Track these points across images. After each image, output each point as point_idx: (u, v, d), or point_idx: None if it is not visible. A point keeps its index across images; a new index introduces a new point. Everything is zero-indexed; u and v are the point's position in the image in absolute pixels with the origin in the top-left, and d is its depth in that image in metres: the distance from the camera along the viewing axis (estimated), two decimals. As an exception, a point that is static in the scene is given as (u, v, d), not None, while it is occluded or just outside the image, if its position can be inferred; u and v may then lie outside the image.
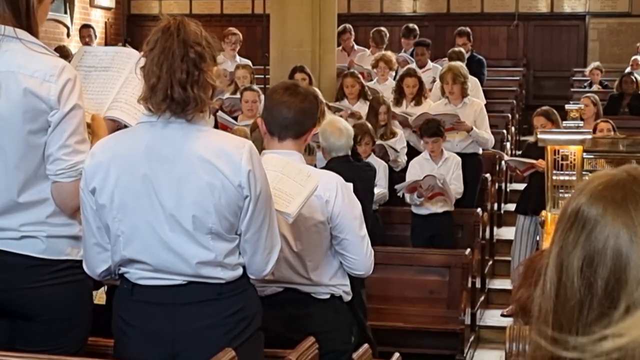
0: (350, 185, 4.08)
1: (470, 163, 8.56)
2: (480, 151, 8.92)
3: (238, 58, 11.12)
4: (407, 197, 7.99)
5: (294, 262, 3.89)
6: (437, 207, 7.96)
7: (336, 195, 3.85)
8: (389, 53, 10.87)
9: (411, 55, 12.15)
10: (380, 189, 7.62)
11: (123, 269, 3.26)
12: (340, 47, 12.42)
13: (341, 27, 12.19)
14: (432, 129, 8.07)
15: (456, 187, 8.01)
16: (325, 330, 3.89)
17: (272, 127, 3.91)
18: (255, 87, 9.41)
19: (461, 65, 9.31)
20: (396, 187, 7.93)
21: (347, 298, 4.08)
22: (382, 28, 12.38)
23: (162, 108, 3.12)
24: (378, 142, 8.34)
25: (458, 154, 8.44)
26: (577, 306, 1.35)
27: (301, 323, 3.87)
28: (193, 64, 3.10)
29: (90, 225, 3.26)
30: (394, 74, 10.92)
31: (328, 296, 3.99)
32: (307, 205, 3.72)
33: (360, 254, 3.94)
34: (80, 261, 3.39)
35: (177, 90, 3.08)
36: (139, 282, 3.23)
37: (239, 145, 3.18)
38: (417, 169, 8.02)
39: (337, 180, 3.92)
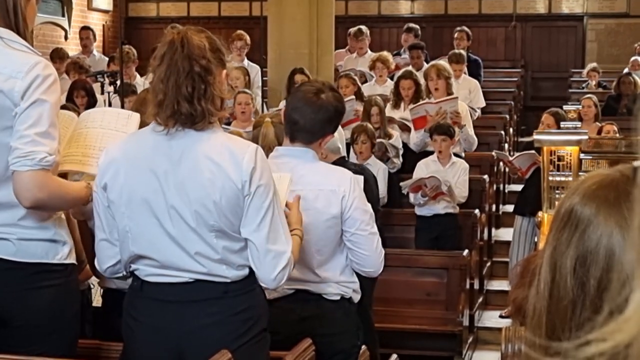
0: (361, 177, 4.12)
1: None
2: (463, 154, 8.84)
3: (247, 62, 11.08)
4: (412, 197, 7.97)
5: (303, 255, 3.89)
6: (440, 208, 7.95)
7: (351, 190, 3.89)
8: (385, 53, 10.85)
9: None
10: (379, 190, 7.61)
11: (133, 266, 3.33)
12: (346, 48, 12.43)
13: (356, 28, 12.19)
14: (443, 128, 8.05)
15: (460, 191, 7.99)
16: (335, 332, 3.92)
17: (285, 127, 4.00)
18: (247, 90, 9.37)
19: (445, 63, 9.27)
20: (401, 184, 7.93)
21: (357, 297, 4.10)
22: (362, 27, 12.37)
23: (171, 123, 3.19)
24: (378, 139, 8.35)
25: None
26: (570, 306, 1.35)
27: (311, 325, 3.89)
28: (199, 78, 3.16)
29: (100, 221, 3.35)
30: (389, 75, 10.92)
31: (338, 297, 4.00)
32: (323, 199, 3.75)
33: (371, 249, 3.95)
34: (58, 265, 3.37)
35: (183, 105, 3.15)
36: (148, 279, 3.29)
37: (244, 145, 3.25)
38: (424, 170, 8.00)
39: (350, 175, 3.96)
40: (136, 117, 3.73)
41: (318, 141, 3.95)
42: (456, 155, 8.53)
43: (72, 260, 3.45)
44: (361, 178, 4.20)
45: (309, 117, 3.88)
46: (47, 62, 3.34)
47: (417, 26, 12.98)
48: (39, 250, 3.33)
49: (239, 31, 11.41)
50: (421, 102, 8.77)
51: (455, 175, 8.03)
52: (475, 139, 8.87)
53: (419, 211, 8.03)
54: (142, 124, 3.54)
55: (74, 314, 3.47)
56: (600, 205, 1.37)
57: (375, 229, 3.99)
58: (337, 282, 3.99)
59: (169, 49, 3.19)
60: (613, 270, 1.31)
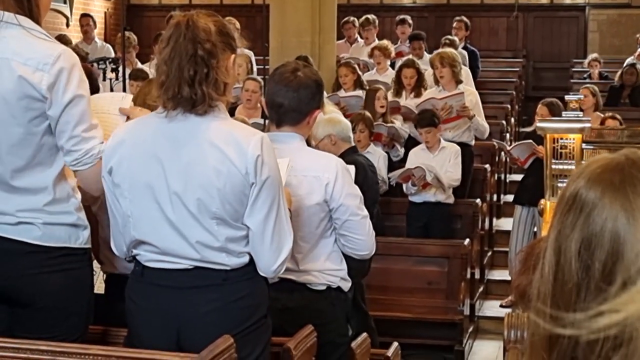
0: (352, 167, 4.11)
1: (462, 153, 8.43)
2: (473, 142, 8.86)
3: (239, 50, 11.01)
4: (404, 186, 8.00)
5: None
6: (431, 196, 7.95)
7: (336, 177, 3.86)
8: (384, 41, 10.86)
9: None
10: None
11: (135, 251, 3.33)
12: (344, 40, 12.43)
13: (363, 18, 12.21)
14: (426, 120, 8.05)
15: (452, 174, 7.97)
16: (321, 322, 3.85)
17: (270, 114, 3.97)
18: (258, 77, 9.35)
19: (451, 50, 9.23)
20: (389, 175, 7.93)
21: (347, 285, 4.07)
22: (370, 16, 12.38)
23: (172, 105, 3.18)
24: (389, 124, 8.38)
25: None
26: (574, 289, 1.35)
27: (296, 315, 3.86)
28: (202, 62, 3.14)
29: (110, 206, 3.35)
30: (390, 63, 10.92)
31: (324, 287, 3.98)
32: (306, 185, 3.76)
33: (365, 233, 3.95)
34: (78, 249, 3.42)
35: (184, 88, 3.14)
36: (149, 265, 3.30)
37: (249, 134, 3.22)
38: (414, 159, 8.02)
39: (336, 162, 3.94)
40: (130, 98, 3.83)
41: (306, 120, 3.93)
42: (465, 144, 8.57)
43: (90, 244, 3.51)
44: (352, 167, 4.17)
45: (292, 97, 3.87)
46: (70, 50, 3.38)
47: (408, 16, 12.98)
48: (63, 234, 3.39)
49: (228, 17, 11.35)
50: (428, 97, 8.74)
51: (446, 160, 8.02)
52: (487, 126, 8.85)
53: (411, 197, 8.06)
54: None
55: (90, 297, 3.52)
56: (605, 189, 1.36)
57: (366, 211, 3.98)
58: (322, 270, 3.96)
59: (174, 31, 3.19)
60: (622, 247, 1.31)
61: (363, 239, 3.95)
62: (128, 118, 3.69)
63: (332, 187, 3.85)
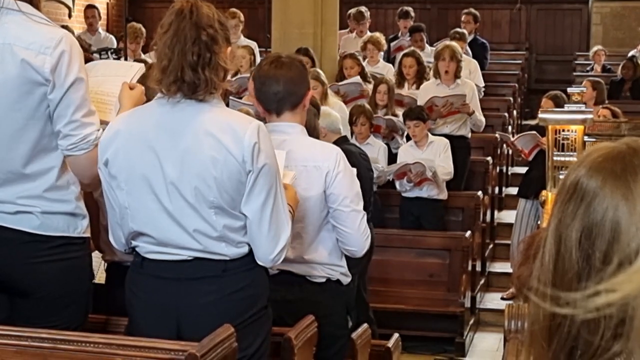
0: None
1: (459, 146, 8.48)
2: (470, 135, 8.89)
3: (243, 40, 11.01)
4: (397, 184, 7.98)
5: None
6: (423, 192, 7.94)
7: (336, 165, 3.84)
8: (376, 34, 10.88)
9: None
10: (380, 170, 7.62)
11: (134, 243, 3.34)
12: (348, 30, 12.40)
13: (356, 11, 12.19)
14: (415, 113, 8.06)
15: (444, 168, 7.97)
16: (320, 314, 3.83)
17: (268, 104, 3.92)
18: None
19: (457, 45, 9.26)
20: (385, 170, 7.89)
21: (346, 280, 4.05)
22: (362, 8, 12.37)
23: (173, 90, 3.19)
24: (387, 116, 8.38)
25: (446, 136, 8.41)
26: (575, 278, 1.35)
27: (295, 307, 3.84)
28: (205, 47, 3.16)
29: (108, 198, 3.35)
30: (383, 54, 10.94)
31: (324, 280, 3.96)
32: (306, 176, 3.74)
33: (353, 227, 3.88)
34: (77, 238, 3.43)
35: (187, 72, 3.15)
36: (148, 256, 3.30)
37: (246, 122, 3.23)
38: (403, 156, 8.01)
39: (337, 151, 3.92)
40: (138, 65, 3.87)
41: (302, 103, 3.91)
42: (463, 137, 8.58)
43: (88, 233, 3.52)
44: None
45: (285, 81, 3.85)
46: (69, 34, 3.40)
47: (411, 8, 12.96)
48: (62, 223, 3.40)
49: (232, 9, 11.30)
50: (429, 95, 8.74)
51: (436, 154, 8.01)
52: (483, 120, 8.94)
53: (403, 193, 8.04)
54: (148, 99, 3.57)
55: (89, 286, 3.54)
56: (606, 178, 1.36)
57: (361, 207, 3.92)
58: (324, 263, 3.94)
59: (176, 17, 3.20)
60: (621, 233, 1.31)
61: (350, 232, 3.87)
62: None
63: (332, 176, 3.83)
